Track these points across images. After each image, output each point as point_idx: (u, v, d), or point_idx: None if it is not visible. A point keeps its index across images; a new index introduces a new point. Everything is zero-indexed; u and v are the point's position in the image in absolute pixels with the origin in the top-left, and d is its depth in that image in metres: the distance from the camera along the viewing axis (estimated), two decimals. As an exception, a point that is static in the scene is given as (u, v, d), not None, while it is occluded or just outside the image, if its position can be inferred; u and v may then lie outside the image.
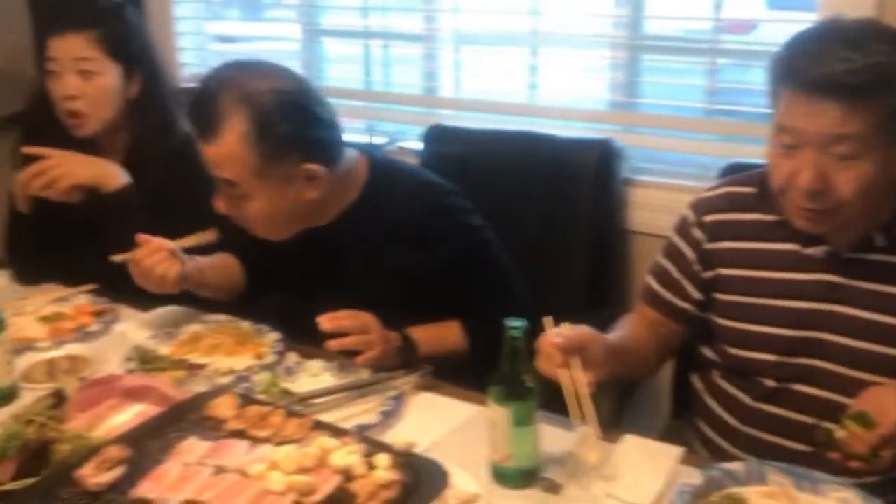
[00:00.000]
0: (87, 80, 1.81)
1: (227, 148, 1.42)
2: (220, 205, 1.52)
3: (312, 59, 2.73)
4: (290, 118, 1.43)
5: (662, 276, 1.48)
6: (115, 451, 1.06)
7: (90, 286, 1.85)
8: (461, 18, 2.44)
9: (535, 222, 1.98)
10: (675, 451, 1.23)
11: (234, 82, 1.43)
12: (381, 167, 1.63)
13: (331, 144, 1.51)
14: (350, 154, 1.58)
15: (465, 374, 1.47)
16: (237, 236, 1.60)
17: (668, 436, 1.44)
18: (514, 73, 2.42)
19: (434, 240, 1.55)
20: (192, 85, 2.68)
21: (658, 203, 2.04)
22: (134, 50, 1.86)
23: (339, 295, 1.50)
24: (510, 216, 1.77)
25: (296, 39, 2.77)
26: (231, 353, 1.58)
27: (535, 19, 2.28)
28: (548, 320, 1.19)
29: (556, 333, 1.17)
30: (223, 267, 1.77)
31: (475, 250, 1.61)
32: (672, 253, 1.46)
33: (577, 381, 1.15)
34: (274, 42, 3.12)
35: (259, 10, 3.27)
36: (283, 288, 1.77)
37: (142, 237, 1.59)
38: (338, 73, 2.78)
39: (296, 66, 2.66)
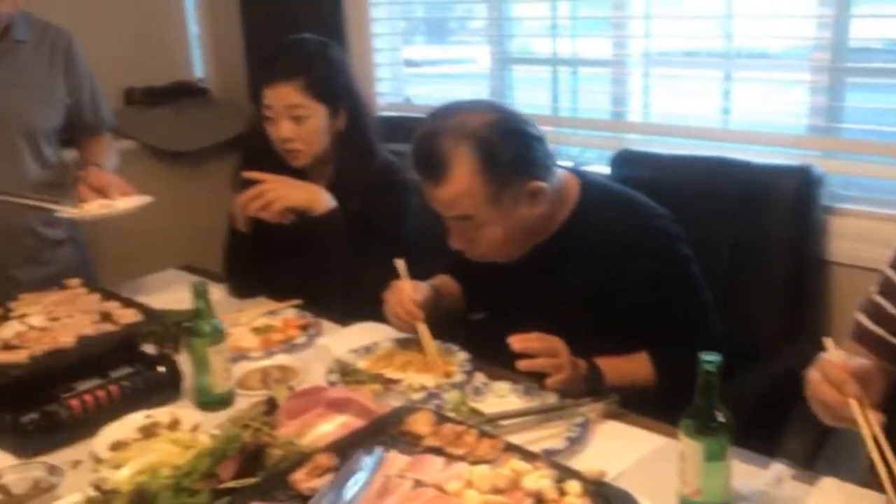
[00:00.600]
0: (300, 125, 1.94)
1: (459, 186, 1.51)
2: (455, 241, 1.62)
3: (501, 85, 2.81)
4: (510, 144, 1.51)
5: (876, 313, 1.39)
6: (324, 459, 1.15)
7: (296, 301, 2.00)
8: (651, 41, 2.43)
9: (728, 252, 1.93)
10: (877, 499, 1.17)
11: (451, 124, 1.52)
12: (593, 186, 1.68)
13: (546, 159, 1.58)
14: (559, 172, 1.63)
15: (650, 404, 1.48)
16: (454, 258, 1.68)
17: (868, 482, 1.37)
18: (705, 96, 2.38)
19: (640, 262, 1.56)
20: (389, 114, 2.86)
21: (861, 233, 1.94)
22: (338, 88, 1.99)
23: (528, 315, 1.55)
24: (701, 245, 1.74)
25: (483, 64, 2.85)
26: (422, 371, 1.66)
27: (728, 41, 2.23)
28: (829, 341, 1.10)
29: (846, 359, 1.08)
30: (451, 289, 1.86)
31: (679, 278, 1.61)
32: (888, 290, 1.38)
33: (869, 418, 1.04)
34: (461, 65, 3.22)
35: (445, 35, 3.38)
36: (473, 307, 1.85)
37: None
38: (525, 97, 2.83)
39: (484, 91, 2.80)
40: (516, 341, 1.44)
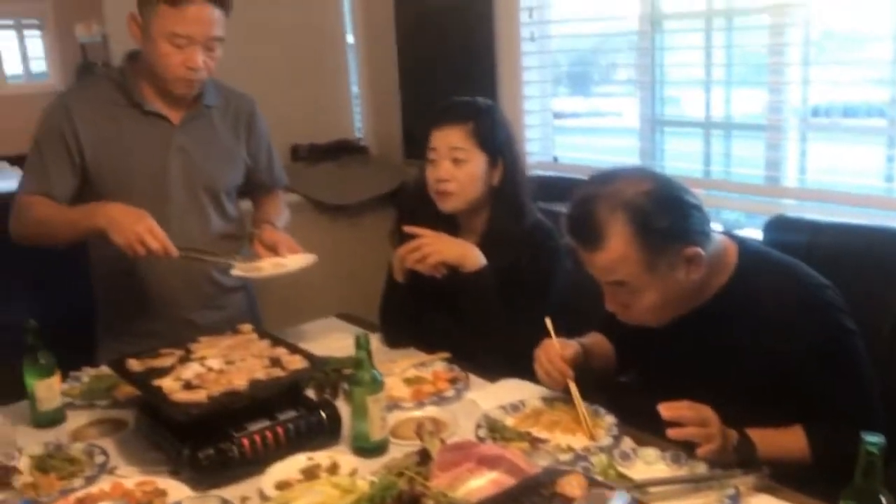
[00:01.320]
0: (459, 167, 2.04)
1: (615, 253, 1.55)
2: (610, 305, 1.65)
3: (651, 143, 2.82)
4: (666, 212, 1.54)
5: None
6: (477, 514, 1.20)
7: (445, 354, 2.07)
8: (810, 91, 2.39)
9: (890, 326, 1.85)
10: None
11: (607, 192, 1.56)
12: (752, 252, 1.68)
13: (702, 225, 1.59)
14: (716, 237, 1.64)
15: (804, 479, 1.44)
16: (606, 317, 1.71)
17: None
18: (866, 159, 2.32)
19: (800, 333, 1.54)
20: (539, 173, 2.94)
21: None
22: (499, 142, 2.08)
23: (678, 380, 1.55)
24: (862, 318, 1.69)
25: (631, 118, 2.88)
26: (568, 431, 1.68)
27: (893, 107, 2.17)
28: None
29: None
30: (602, 347, 1.89)
31: (841, 353, 1.57)
32: None
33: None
34: (609, 118, 3.26)
35: (593, 86, 3.42)
36: (622, 367, 1.86)
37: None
38: (675, 156, 2.84)
39: (633, 146, 2.83)
40: (666, 409, 1.44)
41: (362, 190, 3.45)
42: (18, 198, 2.10)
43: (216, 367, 1.70)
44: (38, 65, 8.69)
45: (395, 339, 2.20)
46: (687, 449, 1.49)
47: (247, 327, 1.94)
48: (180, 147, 2.14)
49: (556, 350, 1.75)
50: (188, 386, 1.63)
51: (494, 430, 1.69)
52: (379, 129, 3.71)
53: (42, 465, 1.63)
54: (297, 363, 1.73)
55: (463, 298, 2.04)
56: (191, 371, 1.69)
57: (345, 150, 3.57)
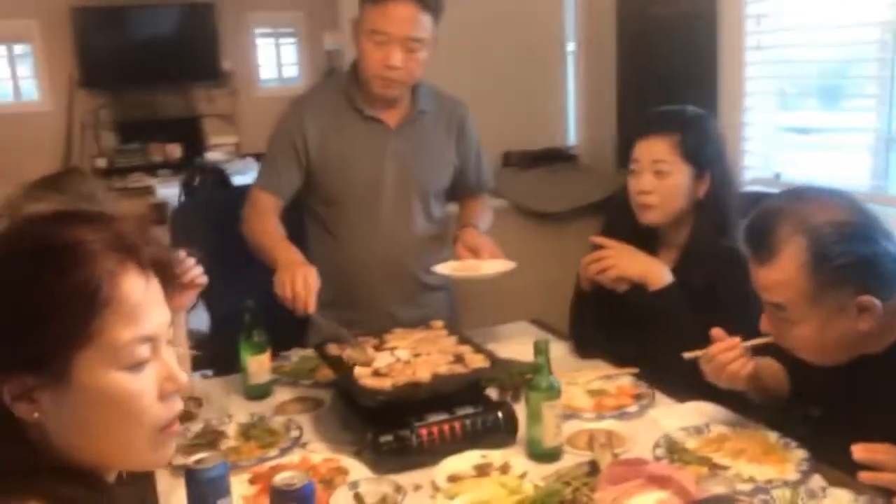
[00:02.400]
0: (661, 179, 1.98)
1: (782, 274, 1.47)
2: (764, 324, 1.58)
3: (884, 167, 2.60)
4: (849, 251, 1.42)
5: None
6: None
7: (633, 370, 2.03)
8: None
9: None
10: None
11: (795, 211, 1.47)
12: None
13: (890, 278, 1.45)
14: None
15: None
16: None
17: None
18: None
19: None
20: (754, 188, 2.79)
21: None
22: (707, 155, 2.00)
23: (870, 417, 1.43)
24: None
25: (866, 138, 2.66)
26: (754, 461, 1.60)
27: None
28: None
29: None
30: (774, 369, 1.80)
31: None
32: None
33: None
34: (841, 135, 3.02)
35: (821, 99, 3.18)
36: (806, 398, 1.74)
37: (716, 332, 1.70)
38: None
39: (864, 169, 2.61)
40: (859, 451, 1.33)
41: (570, 198, 3.46)
42: (251, 189, 2.32)
43: (404, 358, 1.79)
44: (290, 70, 9.47)
45: (585, 349, 2.19)
46: (886, 495, 1.37)
47: (438, 323, 2.01)
48: (396, 152, 2.26)
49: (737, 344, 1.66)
50: (377, 373, 1.73)
51: (673, 450, 1.64)
52: (592, 138, 3.69)
53: (246, 433, 1.80)
54: (479, 362, 1.77)
55: (649, 314, 1.99)
56: (382, 360, 1.79)
57: (555, 158, 3.59)
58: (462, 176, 2.42)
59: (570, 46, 3.77)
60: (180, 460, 1.56)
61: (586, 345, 2.20)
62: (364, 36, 2.11)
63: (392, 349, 1.84)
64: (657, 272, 1.98)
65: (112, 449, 0.91)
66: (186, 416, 1.86)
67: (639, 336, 2.05)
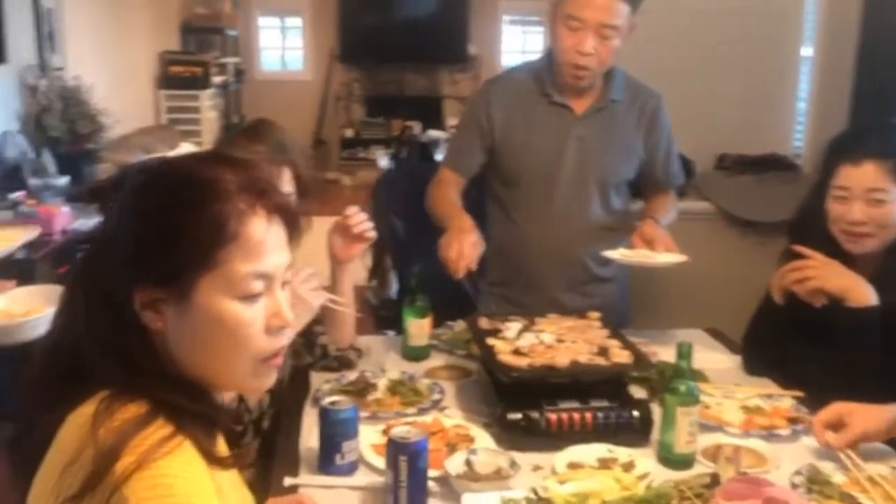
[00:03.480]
0: (875, 207, 1.84)
1: None
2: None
3: None
4: None
5: None
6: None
7: (798, 393, 1.90)
8: None
9: None
10: None
11: None
12: None
13: None
14: None
15: None
16: None
17: None
18: None
19: None
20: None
21: None
22: None
23: None
24: None
25: None
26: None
27: None
28: None
29: None
30: None
31: None
32: None
33: None
34: None
35: None
36: None
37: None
38: None
39: None
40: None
41: (784, 209, 3.23)
42: (439, 166, 2.42)
43: (547, 341, 1.80)
44: (533, 57, 9.60)
45: (754, 367, 2.07)
46: None
47: (594, 314, 2.00)
48: (579, 136, 2.26)
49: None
50: (517, 352, 1.76)
51: (815, 481, 1.53)
52: (819, 148, 3.43)
53: (393, 388, 1.90)
54: (622, 357, 1.75)
55: (839, 335, 1.84)
56: (526, 340, 1.82)
57: (773, 166, 3.38)
58: (648, 169, 2.36)
59: (806, 51, 3.52)
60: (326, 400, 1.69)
61: (756, 361, 2.08)
62: (559, 21, 2.12)
63: (539, 332, 1.86)
64: (863, 290, 1.82)
65: (218, 368, 1.02)
66: (345, 364, 2.00)
67: (819, 358, 1.91)
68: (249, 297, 1.00)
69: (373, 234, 1.91)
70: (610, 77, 2.28)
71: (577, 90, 2.24)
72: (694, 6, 3.42)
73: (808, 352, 1.95)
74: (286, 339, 1.06)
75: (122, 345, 0.98)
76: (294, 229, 1.08)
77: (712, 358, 2.14)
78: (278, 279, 1.04)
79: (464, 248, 2.02)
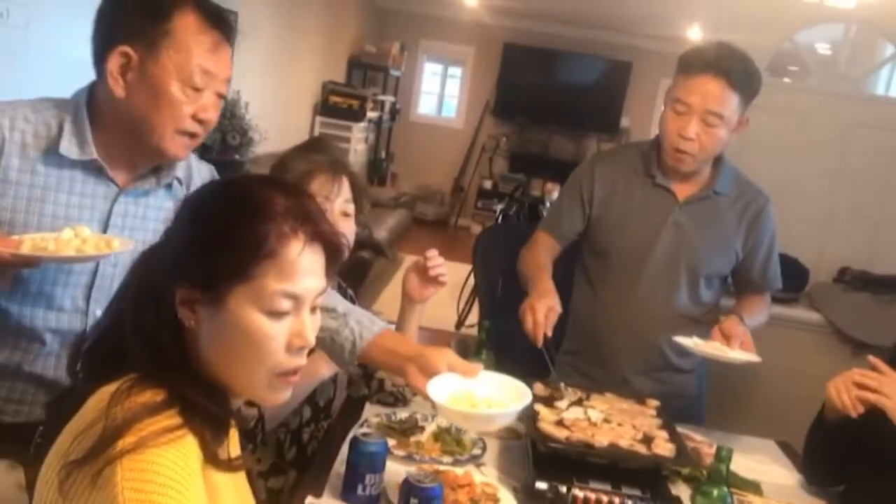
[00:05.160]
0: None
1: None
2: None
3: None
4: None
5: None
6: None
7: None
8: None
9: None
10: None
11: None
12: None
13: None
14: None
15: None
16: None
17: None
18: None
19: None
20: None
21: None
22: None
23: None
24: None
25: None
26: None
27: None
28: None
29: None
30: None
31: None
32: None
33: None
34: None
35: None
36: None
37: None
38: None
39: None
40: None
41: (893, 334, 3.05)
42: (536, 230, 2.45)
43: (594, 418, 1.79)
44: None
45: (813, 479, 1.97)
46: None
47: (652, 402, 1.96)
48: (676, 224, 2.24)
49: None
50: (560, 423, 1.75)
51: None
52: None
53: (438, 435, 1.92)
54: (664, 449, 1.71)
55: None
56: (573, 413, 1.80)
57: (894, 288, 3.19)
58: (745, 269, 2.30)
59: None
60: (360, 430, 1.74)
61: (820, 478, 1.97)
62: (668, 104, 2.14)
63: (588, 408, 1.84)
64: None
65: (236, 373, 1.09)
66: (400, 400, 2.05)
67: (873, 483, 1.80)
68: (276, 314, 1.07)
69: (446, 280, 1.96)
70: (719, 169, 2.25)
71: (681, 175, 2.22)
72: (843, 115, 3.32)
73: (869, 470, 1.83)
74: (304, 359, 1.12)
75: (157, 336, 1.06)
76: (335, 259, 1.14)
77: (774, 471, 2.05)
78: (307, 302, 1.10)
79: (538, 316, 2.03)
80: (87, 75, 1.56)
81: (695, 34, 7.51)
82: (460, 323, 4.60)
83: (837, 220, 3.33)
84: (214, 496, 1.04)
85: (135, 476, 0.93)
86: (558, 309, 2.08)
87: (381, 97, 8.69)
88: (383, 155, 9.28)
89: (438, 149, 9.99)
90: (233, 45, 1.55)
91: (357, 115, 7.78)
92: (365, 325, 1.61)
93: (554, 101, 9.59)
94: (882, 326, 3.12)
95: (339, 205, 1.82)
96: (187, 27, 1.46)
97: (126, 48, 1.45)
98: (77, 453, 0.96)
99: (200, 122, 1.52)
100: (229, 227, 1.06)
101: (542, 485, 1.65)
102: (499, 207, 7.44)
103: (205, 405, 1.05)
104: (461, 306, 4.56)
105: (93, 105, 1.54)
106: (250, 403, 1.66)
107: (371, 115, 8.20)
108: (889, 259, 3.31)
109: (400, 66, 9.17)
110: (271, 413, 1.79)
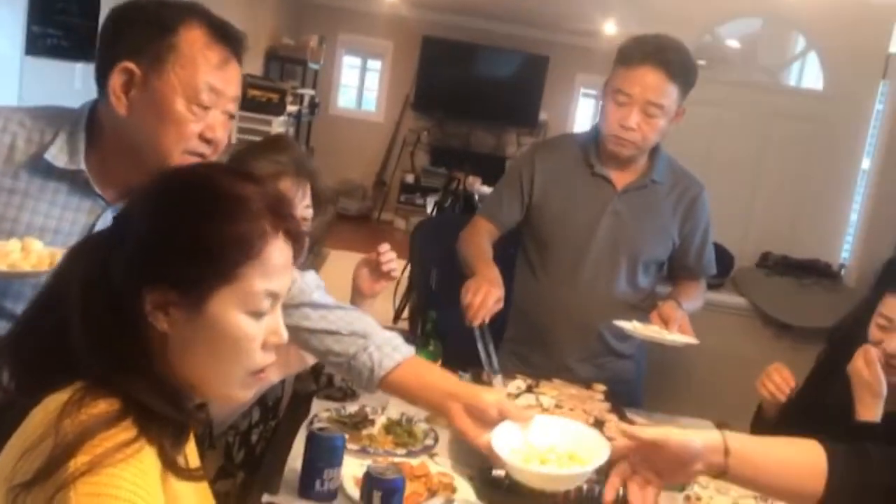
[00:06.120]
0: None
1: None
2: None
3: None
4: None
5: None
6: None
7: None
8: None
9: None
10: None
11: None
12: None
13: None
14: None
15: None
16: None
17: None
18: None
19: None
20: None
21: None
22: None
23: None
24: None
25: None
26: None
27: None
28: None
29: None
30: None
31: None
32: None
33: None
34: None
35: None
36: None
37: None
38: None
39: None
40: None
41: (821, 316, 3.19)
42: (475, 217, 2.46)
43: (545, 405, 1.81)
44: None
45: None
46: None
47: (599, 387, 2.00)
48: (615, 212, 2.28)
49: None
50: (512, 411, 1.76)
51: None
52: (864, 261, 3.39)
53: (389, 427, 1.91)
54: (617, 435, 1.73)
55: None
56: (524, 401, 1.82)
57: (816, 272, 3.34)
58: (681, 255, 2.36)
59: (865, 164, 3.51)
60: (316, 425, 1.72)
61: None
62: (609, 95, 2.17)
63: (539, 395, 1.86)
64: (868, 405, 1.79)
65: (212, 375, 1.04)
66: (350, 395, 2.02)
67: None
68: (257, 313, 1.03)
69: (397, 274, 1.94)
70: (654, 158, 2.30)
71: (619, 164, 2.26)
72: (762, 106, 3.44)
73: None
74: (274, 356, 1.08)
75: (114, 340, 0.99)
76: (299, 252, 1.11)
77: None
78: (281, 298, 1.07)
79: (487, 299, 2.03)
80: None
81: (610, 29, 7.66)
82: (397, 316, 4.59)
83: (758, 207, 3.45)
84: None
85: (91, 502, 0.86)
86: (501, 301, 2.08)
87: (300, 90, 8.56)
88: (304, 150, 9.16)
89: (359, 143, 9.91)
90: (241, 62, 1.46)
91: (277, 109, 7.63)
92: (385, 353, 1.53)
93: (473, 95, 9.63)
94: (804, 309, 3.26)
95: (300, 210, 1.77)
96: (194, 42, 1.38)
97: (129, 64, 1.37)
98: (24, 475, 0.89)
99: (208, 141, 1.42)
100: (211, 227, 1.00)
101: (498, 472, 1.65)
102: (427, 201, 7.43)
103: (164, 411, 0.98)
104: (397, 300, 4.55)
105: (94, 120, 1.45)
106: (199, 406, 1.61)
107: (291, 108, 8.07)
108: (807, 244, 3.46)
109: (319, 60, 9.06)
110: (220, 417, 1.75)
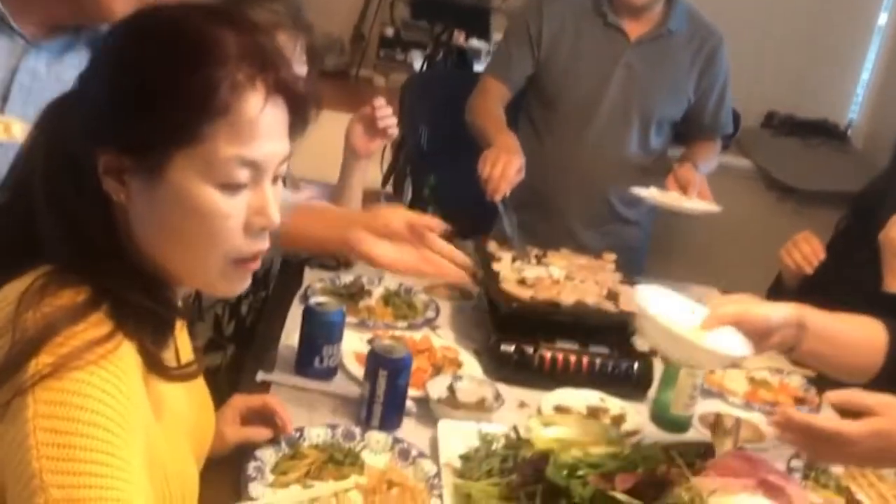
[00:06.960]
0: None
1: None
2: None
3: None
4: None
5: None
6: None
7: (810, 372, 1.78)
8: None
9: None
10: None
11: None
12: None
13: None
14: None
15: None
16: None
17: None
18: None
19: None
20: None
21: None
22: None
23: None
24: None
25: None
26: None
27: None
28: None
29: None
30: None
31: None
32: None
33: None
34: None
35: None
36: None
37: None
38: None
39: None
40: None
41: (827, 179, 3.07)
42: (482, 77, 2.26)
43: (556, 276, 1.69)
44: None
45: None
46: None
47: (610, 256, 1.88)
48: (628, 66, 2.11)
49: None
50: (522, 282, 1.65)
51: (813, 467, 1.43)
52: (875, 123, 3.24)
53: (388, 298, 1.80)
54: (632, 306, 1.63)
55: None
56: (533, 272, 1.71)
57: (822, 133, 3.20)
58: (696, 113, 2.21)
59: (882, 19, 3.30)
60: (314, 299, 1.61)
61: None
62: None
63: (548, 265, 1.75)
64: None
65: (183, 260, 0.88)
66: (343, 263, 1.90)
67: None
68: (231, 186, 0.85)
69: (395, 132, 1.78)
70: (672, 5, 2.10)
71: (634, 11, 2.07)
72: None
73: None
74: (266, 242, 0.91)
75: (78, 214, 0.84)
76: (300, 116, 0.91)
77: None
78: (269, 171, 0.88)
79: (507, 170, 1.87)
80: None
81: None
82: (386, 180, 4.41)
83: (765, 65, 3.26)
84: (159, 408, 0.86)
85: (51, 412, 0.74)
86: (522, 170, 1.92)
87: (272, -65, 8.01)
88: None
89: (333, -6, 9.39)
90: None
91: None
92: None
93: (456, -58, 9.07)
94: (809, 171, 3.14)
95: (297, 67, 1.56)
96: None
97: None
98: None
99: None
100: (165, 73, 0.82)
101: (507, 346, 1.56)
102: (413, 55, 7.05)
103: (140, 301, 0.84)
104: (384, 162, 4.36)
105: None
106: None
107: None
108: (813, 103, 3.30)
109: None
110: None
